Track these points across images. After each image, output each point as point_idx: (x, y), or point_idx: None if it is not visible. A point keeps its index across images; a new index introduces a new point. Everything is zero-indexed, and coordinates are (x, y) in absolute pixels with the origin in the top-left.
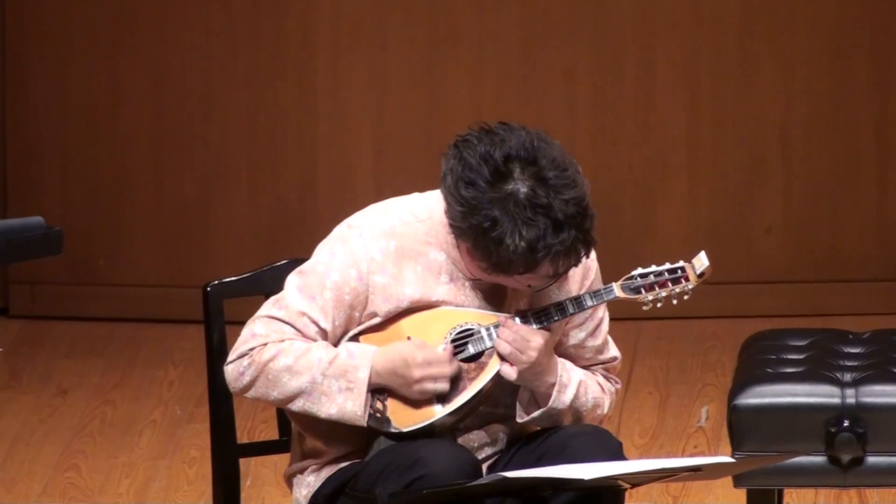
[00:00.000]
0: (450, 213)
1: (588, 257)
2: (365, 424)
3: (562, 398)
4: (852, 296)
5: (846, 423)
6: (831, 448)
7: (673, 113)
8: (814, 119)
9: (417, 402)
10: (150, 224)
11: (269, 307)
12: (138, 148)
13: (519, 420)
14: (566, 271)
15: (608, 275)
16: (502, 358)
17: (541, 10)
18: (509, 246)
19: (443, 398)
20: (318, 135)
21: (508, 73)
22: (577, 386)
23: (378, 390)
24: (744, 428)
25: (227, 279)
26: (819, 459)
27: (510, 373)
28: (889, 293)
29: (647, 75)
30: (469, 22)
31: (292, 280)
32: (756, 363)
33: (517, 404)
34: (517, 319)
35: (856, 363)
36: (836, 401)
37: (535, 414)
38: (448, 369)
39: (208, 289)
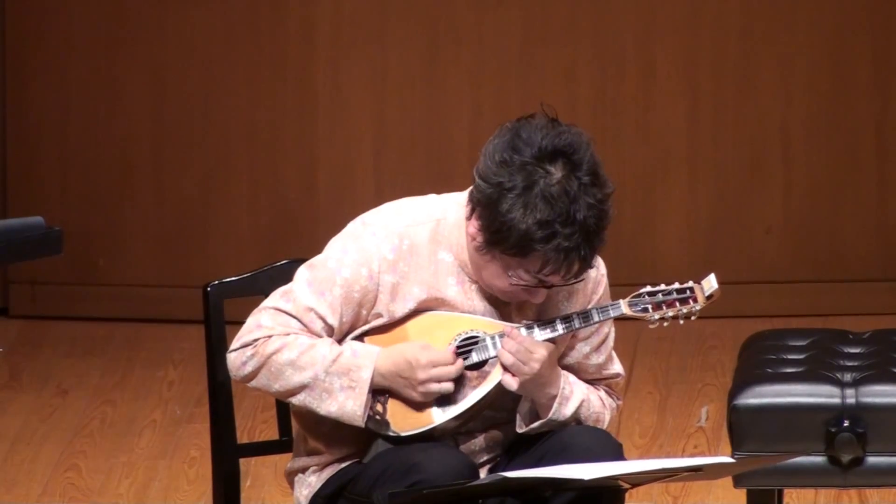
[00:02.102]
0: (482, 169)
1: (577, 278)
2: (363, 425)
3: (562, 411)
4: (852, 296)
5: (846, 423)
6: (831, 448)
7: (673, 113)
8: (814, 119)
9: (418, 407)
10: (150, 224)
11: (276, 299)
12: (138, 148)
13: (518, 430)
14: (551, 278)
15: (608, 275)
16: (505, 368)
17: (541, 10)
18: (515, 218)
19: (444, 403)
20: (318, 135)
21: (508, 73)
22: (579, 400)
23: (379, 392)
24: (744, 428)
25: (227, 279)
26: (819, 459)
27: (511, 383)
28: (889, 293)
29: (647, 75)
30: (469, 22)
31: (302, 273)
32: (756, 363)
33: (517, 415)
34: (522, 330)
35: (856, 363)
36: (836, 401)
37: (535, 425)
38: (452, 370)
39: (208, 289)
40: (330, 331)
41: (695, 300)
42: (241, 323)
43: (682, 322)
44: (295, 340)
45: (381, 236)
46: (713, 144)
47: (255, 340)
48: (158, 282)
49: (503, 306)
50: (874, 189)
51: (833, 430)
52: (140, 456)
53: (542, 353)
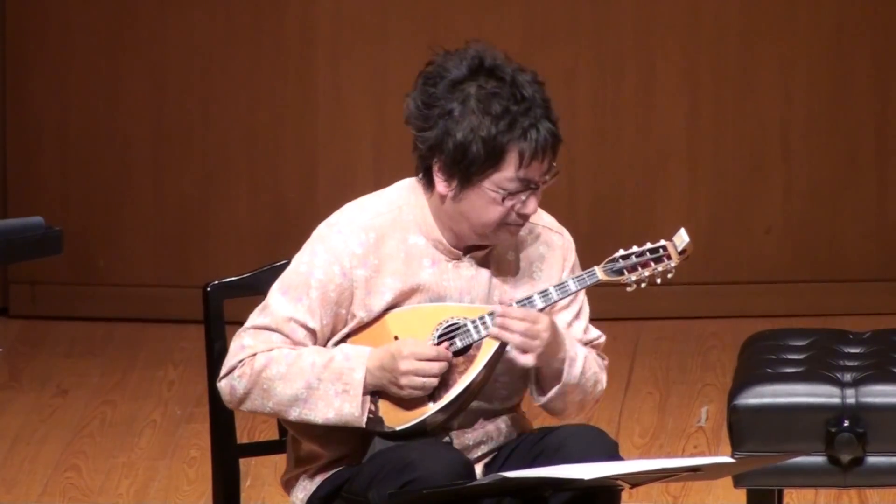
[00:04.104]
0: (414, 124)
1: (554, 164)
2: (363, 426)
3: (573, 372)
4: (852, 296)
5: (846, 423)
6: (831, 448)
7: (673, 113)
8: (814, 119)
9: (409, 400)
10: (150, 224)
11: (254, 317)
12: (138, 148)
13: (538, 402)
14: (533, 171)
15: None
16: (501, 348)
17: (541, 11)
18: (471, 130)
19: (434, 393)
20: (318, 135)
21: None
22: (583, 358)
23: (371, 392)
24: (744, 428)
25: (227, 279)
26: (819, 459)
27: (528, 360)
28: (889, 293)
29: (647, 75)
30: (469, 22)
31: (275, 286)
32: (756, 363)
33: (532, 387)
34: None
35: (856, 363)
36: (836, 401)
37: (552, 393)
38: (436, 367)
39: (208, 289)
40: (312, 336)
41: (669, 257)
42: (241, 323)
43: (658, 282)
44: (280, 354)
45: (348, 233)
46: (713, 144)
47: (241, 362)
48: (158, 282)
49: (480, 284)
50: (874, 189)
51: (833, 430)
52: (140, 456)
53: (545, 321)
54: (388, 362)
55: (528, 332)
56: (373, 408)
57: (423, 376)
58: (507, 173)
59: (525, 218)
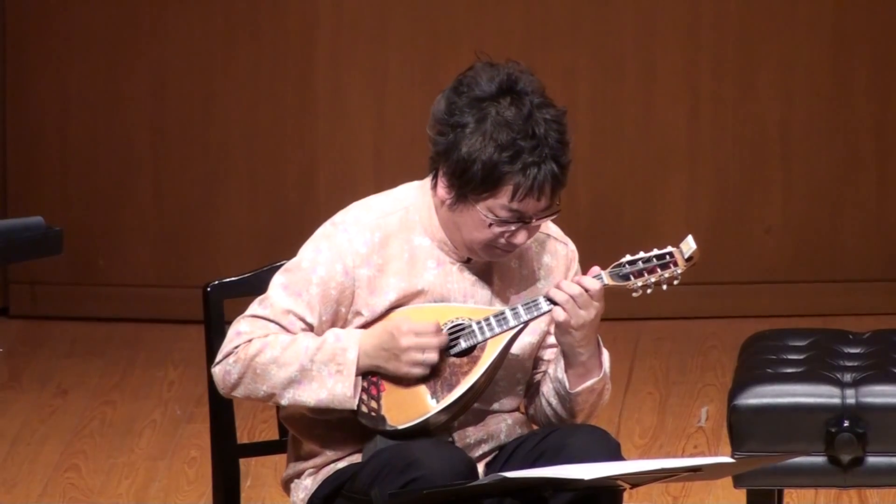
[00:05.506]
0: (433, 125)
1: (552, 204)
2: (354, 408)
3: (605, 365)
4: (852, 296)
5: (846, 423)
6: (831, 448)
7: (673, 113)
8: (814, 119)
9: (412, 399)
10: (150, 224)
11: (254, 307)
12: (138, 148)
13: (572, 391)
14: (526, 206)
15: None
16: (504, 350)
17: (541, 11)
18: (475, 150)
19: (437, 392)
20: (318, 135)
21: None
22: (606, 356)
23: (370, 388)
24: (744, 428)
25: (227, 279)
26: (819, 459)
27: (560, 315)
28: (889, 293)
29: (647, 75)
30: (469, 22)
31: (277, 279)
32: (756, 363)
33: (564, 377)
34: (507, 312)
35: (856, 363)
36: (836, 401)
37: (589, 383)
38: (435, 341)
39: (208, 289)
40: (310, 331)
41: (675, 264)
42: None
43: (664, 287)
44: (275, 339)
45: (353, 232)
46: (713, 144)
47: (236, 348)
48: (158, 282)
49: (484, 283)
50: (874, 189)
51: (833, 430)
52: (140, 456)
53: (599, 295)
54: (387, 341)
55: (580, 297)
56: (375, 406)
57: (423, 350)
58: (501, 202)
59: (513, 247)
